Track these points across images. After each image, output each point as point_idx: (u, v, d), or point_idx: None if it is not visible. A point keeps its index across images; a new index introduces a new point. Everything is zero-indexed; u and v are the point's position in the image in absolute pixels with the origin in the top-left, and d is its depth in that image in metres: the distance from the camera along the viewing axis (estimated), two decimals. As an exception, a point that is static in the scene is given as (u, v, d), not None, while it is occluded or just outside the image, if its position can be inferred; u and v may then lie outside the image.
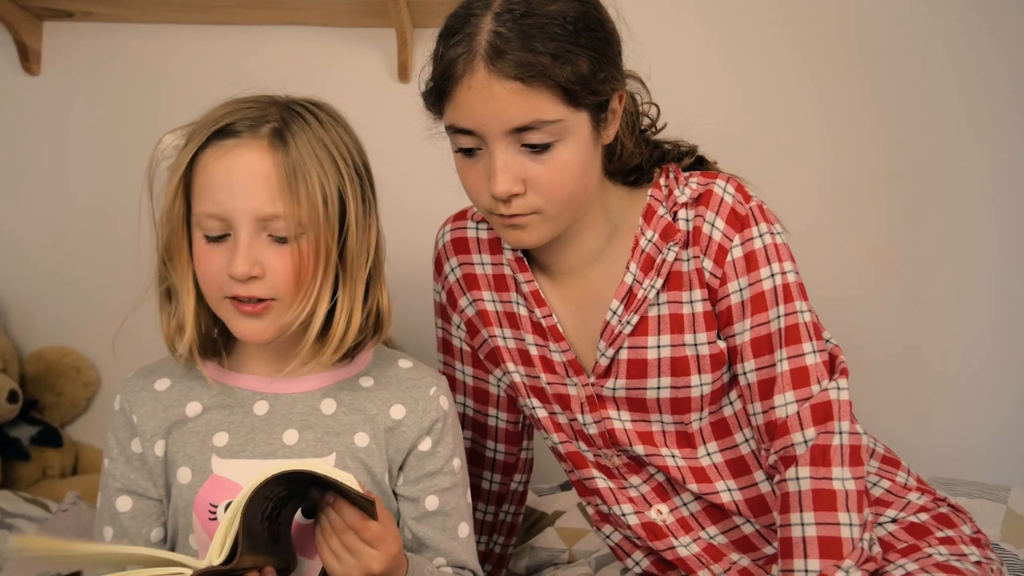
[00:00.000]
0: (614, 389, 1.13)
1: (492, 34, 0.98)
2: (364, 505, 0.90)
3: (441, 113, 1.06)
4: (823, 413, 1.05)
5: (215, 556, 0.87)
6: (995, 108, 1.83)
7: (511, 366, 1.20)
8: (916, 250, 1.83)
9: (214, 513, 1.00)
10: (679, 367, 1.10)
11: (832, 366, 1.09)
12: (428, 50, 1.87)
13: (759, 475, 1.12)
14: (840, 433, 1.04)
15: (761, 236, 1.09)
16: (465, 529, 1.08)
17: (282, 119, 0.99)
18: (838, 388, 1.06)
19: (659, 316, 1.11)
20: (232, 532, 0.87)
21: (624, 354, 1.11)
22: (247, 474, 0.99)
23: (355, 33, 1.89)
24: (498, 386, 1.27)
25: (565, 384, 1.16)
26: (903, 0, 1.85)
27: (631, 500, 1.17)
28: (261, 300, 0.98)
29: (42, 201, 1.90)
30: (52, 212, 1.89)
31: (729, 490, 1.13)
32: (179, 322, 1.02)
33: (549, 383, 1.16)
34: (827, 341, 1.12)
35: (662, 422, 1.13)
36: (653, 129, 1.19)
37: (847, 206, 1.83)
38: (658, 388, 1.11)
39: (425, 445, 1.06)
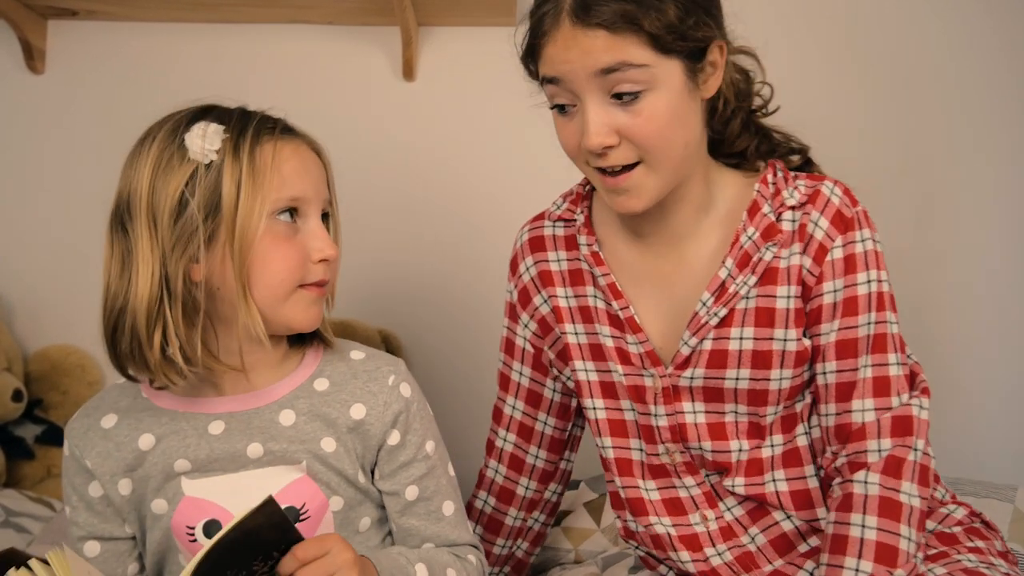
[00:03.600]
0: (691, 379, 1.12)
1: None
2: (290, 538, 0.86)
3: (537, 71, 1.07)
4: (903, 427, 1.05)
5: None
6: (1002, 107, 1.83)
7: (579, 364, 1.19)
8: (923, 249, 1.82)
9: (192, 535, 0.98)
10: (761, 360, 1.09)
11: (912, 382, 1.09)
12: (433, 49, 1.89)
13: (809, 469, 1.12)
14: (916, 450, 1.05)
15: (863, 241, 1.09)
16: (450, 506, 1.08)
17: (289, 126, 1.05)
18: (920, 406, 1.07)
19: (746, 309, 1.10)
20: None
21: (707, 344, 1.11)
22: (220, 490, 0.99)
23: (360, 31, 1.89)
24: (553, 390, 1.27)
25: (641, 375, 1.15)
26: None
27: (675, 506, 1.16)
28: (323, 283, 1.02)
29: (46, 199, 1.90)
30: (56, 210, 1.89)
31: (775, 480, 1.12)
32: (194, 346, 0.96)
33: (625, 374, 1.16)
34: (908, 357, 1.12)
35: (736, 412, 1.13)
36: (764, 110, 1.18)
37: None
38: (736, 379, 1.11)
39: (393, 439, 1.05)
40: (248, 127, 0.97)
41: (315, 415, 1.03)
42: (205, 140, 0.95)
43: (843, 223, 1.09)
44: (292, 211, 0.99)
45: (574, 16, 0.99)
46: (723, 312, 1.10)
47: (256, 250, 0.95)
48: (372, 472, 1.06)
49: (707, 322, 1.10)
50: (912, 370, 1.11)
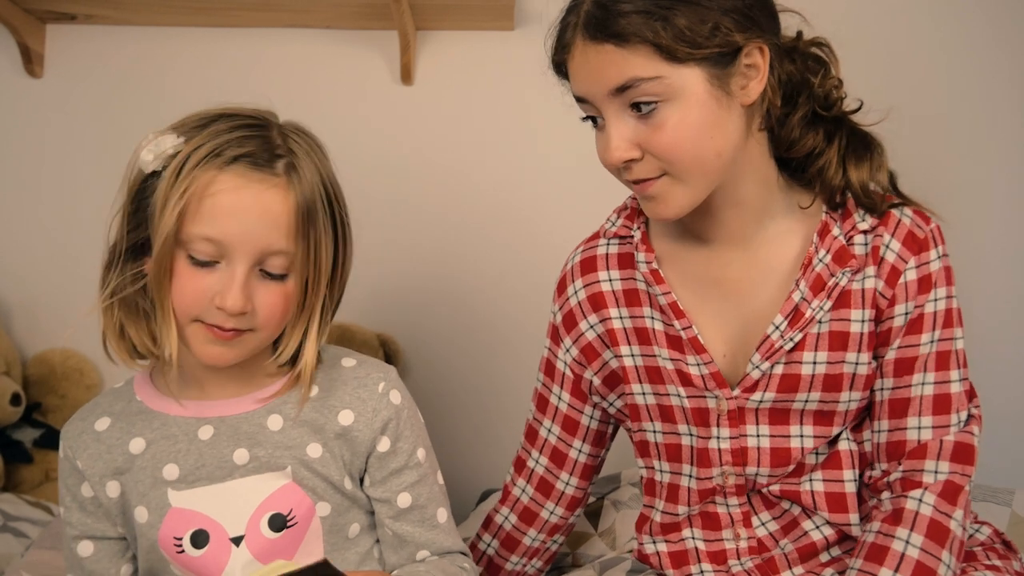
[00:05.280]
0: (760, 401, 1.10)
1: (591, 3, 0.99)
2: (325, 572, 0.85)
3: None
4: (964, 454, 1.05)
5: None
6: (1001, 108, 1.83)
7: (636, 387, 1.16)
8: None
9: (180, 546, 0.99)
10: (833, 383, 1.08)
11: (969, 396, 1.09)
12: (431, 53, 1.90)
13: (848, 474, 1.10)
14: (971, 479, 1.04)
15: (936, 260, 1.07)
16: (444, 514, 1.08)
17: (289, 150, 0.98)
18: (975, 435, 1.06)
19: (819, 333, 1.07)
20: None
21: (779, 369, 1.08)
22: (207, 501, 0.99)
23: (358, 35, 1.89)
24: (591, 418, 1.24)
25: (704, 397, 1.12)
26: (907, 2, 1.85)
27: (710, 520, 1.15)
28: (238, 330, 0.96)
29: (45, 203, 1.90)
30: (55, 214, 1.89)
31: (811, 480, 1.10)
32: (150, 340, 0.99)
33: (687, 396, 1.12)
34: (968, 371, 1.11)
35: (802, 436, 1.10)
36: (826, 105, 1.10)
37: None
38: (806, 401, 1.09)
39: (383, 445, 1.04)
40: (201, 148, 0.93)
41: (303, 421, 1.03)
42: (145, 150, 0.95)
43: (916, 244, 1.07)
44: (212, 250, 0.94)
45: (584, 31, 0.99)
46: (798, 337, 1.07)
47: (175, 273, 0.95)
48: (361, 479, 1.06)
49: (781, 347, 1.08)
50: (970, 387, 1.10)
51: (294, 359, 1.03)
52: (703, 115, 0.99)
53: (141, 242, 0.97)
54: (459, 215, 1.89)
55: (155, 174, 0.95)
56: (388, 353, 1.81)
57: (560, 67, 1.06)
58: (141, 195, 0.96)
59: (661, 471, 1.18)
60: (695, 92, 0.99)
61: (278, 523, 0.98)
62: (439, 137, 1.89)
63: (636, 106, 0.99)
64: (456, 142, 1.89)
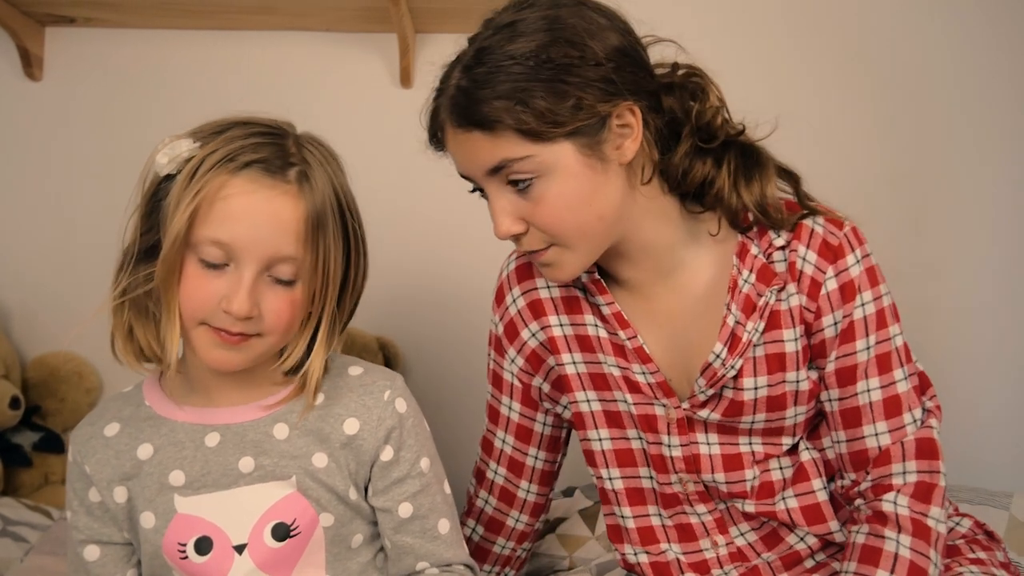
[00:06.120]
0: (706, 418, 1.11)
1: (455, 88, 1.01)
2: None
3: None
4: (928, 450, 1.06)
5: None
6: (999, 112, 1.83)
7: (579, 394, 1.17)
8: (920, 255, 1.83)
9: (184, 552, 0.99)
10: (776, 403, 1.09)
11: (923, 391, 1.09)
12: (431, 56, 1.88)
13: (816, 483, 1.11)
14: (943, 474, 1.06)
15: (855, 264, 1.06)
16: (446, 524, 1.07)
17: (303, 159, 0.99)
18: (935, 428, 1.07)
19: (755, 357, 1.08)
20: None
21: (727, 393, 1.09)
22: (211, 508, 0.99)
23: (357, 38, 1.89)
24: (544, 424, 1.25)
25: (652, 404, 1.13)
26: (907, 3, 1.85)
27: (686, 532, 1.16)
28: (244, 334, 0.96)
29: (44, 206, 1.90)
30: (54, 217, 1.89)
31: (784, 499, 1.11)
32: (157, 343, 1.00)
33: (635, 403, 1.14)
34: (915, 363, 1.11)
35: (751, 444, 1.12)
36: (722, 131, 1.08)
37: (850, 211, 1.81)
38: (752, 422, 1.10)
39: (387, 454, 1.04)
40: (215, 153, 0.95)
41: (308, 429, 1.03)
42: (160, 154, 0.97)
43: (831, 252, 1.06)
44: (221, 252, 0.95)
45: (451, 118, 1.01)
46: (739, 363, 1.08)
47: (183, 275, 0.96)
48: (366, 489, 1.05)
49: (724, 375, 1.08)
50: (921, 378, 1.10)
51: (299, 367, 1.03)
52: (579, 185, 1.00)
53: (153, 244, 0.98)
54: (459, 218, 1.89)
55: (169, 177, 0.96)
56: (387, 357, 1.81)
57: (438, 146, 1.07)
58: (155, 198, 0.98)
59: (611, 478, 1.19)
60: (567, 165, 0.99)
61: (281, 532, 0.99)
62: (438, 140, 1.89)
63: (513, 182, 1.01)
64: (455, 145, 1.89)
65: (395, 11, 1.73)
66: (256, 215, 0.94)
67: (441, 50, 1.88)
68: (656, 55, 1.09)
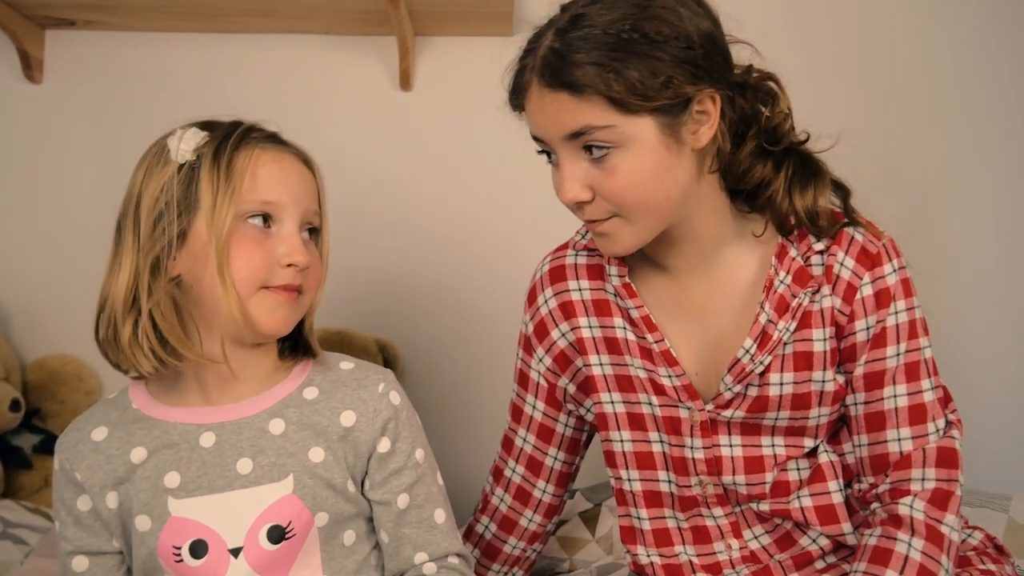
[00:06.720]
0: (731, 417, 1.12)
1: (548, 49, 1.01)
2: None
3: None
4: (949, 459, 1.07)
5: None
6: (999, 113, 1.83)
7: (604, 396, 1.18)
8: (918, 257, 1.80)
9: (178, 555, 0.98)
10: (801, 402, 1.10)
11: (945, 404, 1.10)
12: (430, 58, 1.90)
13: (832, 484, 1.12)
14: (960, 484, 1.06)
15: (892, 273, 1.08)
16: (441, 515, 1.08)
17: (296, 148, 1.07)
18: (957, 439, 1.08)
19: (784, 355, 1.10)
20: None
21: (752, 391, 1.11)
22: (206, 511, 0.99)
23: (357, 41, 1.89)
24: (565, 425, 1.26)
25: (677, 407, 1.14)
26: (906, 4, 1.85)
27: (700, 534, 1.16)
28: (299, 289, 1.02)
29: (44, 209, 1.90)
30: (54, 220, 1.90)
31: (799, 497, 1.12)
32: (181, 337, 0.99)
33: (659, 405, 1.15)
34: (939, 377, 1.12)
35: (773, 445, 1.13)
36: (786, 138, 1.12)
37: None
38: (776, 419, 1.11)
39: (383, 446, 1.05)
40: (232, 134, 1.01)
41: (304, 424, 1.03)
42: (182, 141, 1.00)
43: (869, 259, 1.08)
44: (267, 216, 1.00)
45: (540, 77, 1.01)
46: (768, 360, 1.09)
47: (226, 249, 0.98)
48: (363, 482, 1.06)
49: (752, 371, 1.09)
50: (944, 392, 1.11)
51: (294, 349, 1.08)
52: (654, 162, 1.01)
53: (178, 232, 0.98)
54: (458, 220, 1.89)
55: (182, 167, 0.99)
56: (387, 358, 1.81)
57: (518, 105, 1.08)
58: (185, 185, 0.99)
59: (629, 480, 1.19)
60: (646, 140, 1.01)
61: (276, 535, 0.99)
62: (438, 143, 1.89)
63: (589, 149, 1.01)
64: (455, 148, 1.89)
65: (395, 14, 1.73)
66: (290, 175, 1.03)
67: (440, 53, 1.91)
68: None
